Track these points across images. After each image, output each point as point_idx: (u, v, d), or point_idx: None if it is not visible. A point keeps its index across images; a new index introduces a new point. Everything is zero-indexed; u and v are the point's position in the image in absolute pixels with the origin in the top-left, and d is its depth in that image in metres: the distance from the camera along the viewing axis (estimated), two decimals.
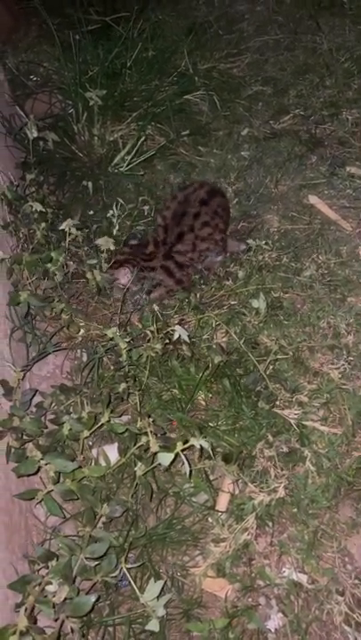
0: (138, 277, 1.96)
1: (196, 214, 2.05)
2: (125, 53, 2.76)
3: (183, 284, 2.05)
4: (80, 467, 1.40)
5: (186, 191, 2.12)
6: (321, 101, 2.83)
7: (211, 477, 1.59)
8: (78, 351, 1.82)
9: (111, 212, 2.07)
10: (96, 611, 1.35)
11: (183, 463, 1.37)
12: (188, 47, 2.98)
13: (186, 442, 1.32)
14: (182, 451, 1.34)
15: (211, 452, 1.48)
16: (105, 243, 1.83)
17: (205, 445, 1.32)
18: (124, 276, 1.94)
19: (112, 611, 1.35)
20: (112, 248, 1.85)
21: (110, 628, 1.33)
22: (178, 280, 2.04)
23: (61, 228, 1.87)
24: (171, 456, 1.31)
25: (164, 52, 2.88)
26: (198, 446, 1.32)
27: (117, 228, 2.08)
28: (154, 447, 1.34)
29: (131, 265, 1.95)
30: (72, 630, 1.18)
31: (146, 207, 2.29)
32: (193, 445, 1.32)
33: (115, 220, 2.07)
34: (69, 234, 1.87)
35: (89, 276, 1.79)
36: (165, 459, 1.31)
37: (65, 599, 1.17)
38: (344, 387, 1.73)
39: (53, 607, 1.15)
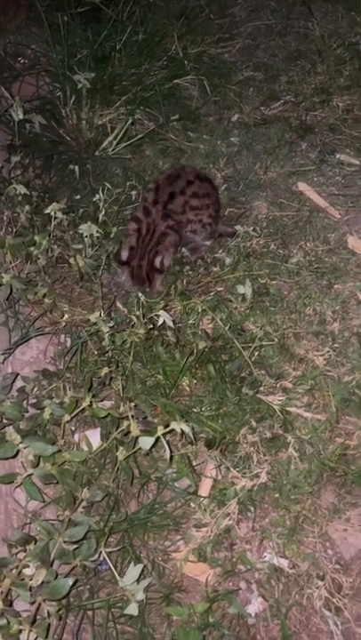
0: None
1: (190, 182, 2.02)
2: (115, 36, 2.71)
3: (180, 247, 2.05)
4: (60, 451, 1.39)
5: (186, 165, 2.13)
6: (312, 88, 2.81)
7: (194, 463, 1.58)
8: (62, 336, 1.80)
9: (98, 196, 2.04)
10: (75, 595, 1.35)
11: (165, 449, 1.36)
12: (178, 31, 2.94)
13: (167, 426, 1.32)
14: (165, 436, 1.34)
15: (192, 437, 1.47)
16: (88, 229, 1.80)
17: (186, 429, 1.31)
18: (164, 265, 1.92)
19: (91, 595, 1.35)
20: (95, 234, 1.83)
21: (89, 612, 1.32)
22: (181, 236, 2.02)
23: (47, 212, 1.85)
24: (151, 440, 1.30)
25: (154, 36, 2.84)
26: (180, 431, 1.32)
27: (104, 212, 2.05)
28: (135, 431, 1.33)
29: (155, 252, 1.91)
30: (49, 614, 1.17)
31: (133, 192, 2.26)
32: (176, 431, 1.32)
33: (101, 205, 2.04)
34: (55, 218, 1.85)
35: (72, 261, 1.77)
36: (146, 442, 1.31)
37: (42, 582, 1.16)
38: (329, 373, 1.73)
39: (30, 590, 1.14)
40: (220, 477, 1.55)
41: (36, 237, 1.79)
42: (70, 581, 1.17)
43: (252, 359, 1.73)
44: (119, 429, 1.41)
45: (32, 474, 1.32)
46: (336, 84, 2.81)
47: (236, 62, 2.99)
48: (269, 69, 2.94)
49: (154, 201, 1.98)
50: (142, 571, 1.29)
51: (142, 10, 2.94)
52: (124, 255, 1.91)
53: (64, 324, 1.78)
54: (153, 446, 1.36)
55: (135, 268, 1.91)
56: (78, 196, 2.27)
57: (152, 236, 1.94)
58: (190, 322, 1.85)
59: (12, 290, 1.66)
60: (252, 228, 2.10)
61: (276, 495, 1.52)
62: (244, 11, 3.34)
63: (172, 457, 1.52)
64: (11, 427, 1.37)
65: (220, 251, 2.13)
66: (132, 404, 1.42)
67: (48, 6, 2.89)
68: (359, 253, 2.09)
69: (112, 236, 2.02)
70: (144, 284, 1.93)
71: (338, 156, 2.48)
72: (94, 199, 2.08)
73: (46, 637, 1.13)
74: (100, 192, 2.05)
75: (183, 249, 2.11)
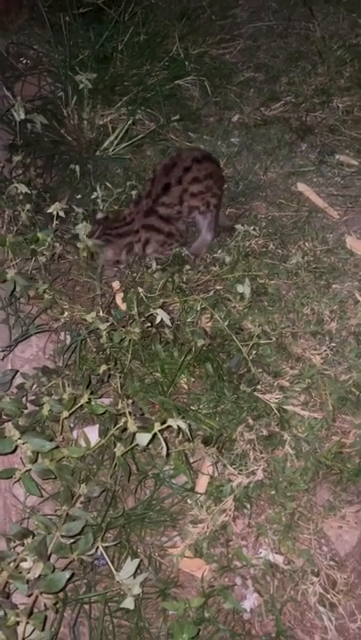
0: (120, 248, 1.96)
1: (187, 168, 2.03)
2: (117, 37, 2.73)
3: (176, 238, 2.06)
4: (58, 447, 1.40)
5: (180, 151, 2.13)
6: (312, 89, 2.82)
7: (191, 460, 1.60)
8: (62, 333, 1.82)
9: (95, 193, 2.06)
10: (72, 589, 1.36)
11: (162, 445, 1.38)
12: (179, 32, 2.96)
13: (164, 422, 1.33)
14: (162, 433, 1.35)
15: (189, 434, 1.49)
16: (84, 228, 1.82)
17: (183, 426, 1.33)
18: (108, 254, 1.95)
19: (88, 589, 1.36)
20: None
21: (86, 606, 1.34)
22: (168, 233, 2.04)
23: (49, 211, 1.86)
24: (148, 436, 1.32)
25: (155, 37, 2.86)
26: (176, 427, 1.33)
27: (101, 208, 2.07)
28: (132, 427, 1.35)
29: (106, 240, 1.94)
30: (46, 606, 1.19)
31: (134, 192, 2.27)
32: (174, 428, 1.33)
33: (99, 202, 2.06)
34: (57, 217, 1.87)
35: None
36: (143, 439, 1.32)
37: (40, 576, 1.17)
38: (326, 372, 1.74)
39: (27, 583, 1.16)
40: (216, 474, 1.57)
41: (39, 235, 1.81)
42: (67, 575, 1.19)
43: (250, 357, 1.75)
44: (117, 426, 1.43)
45: (30, 469, 1.34)
46: (336, 85, 2.83)
47: (237, 63, 3.01)
48: (270, 70, 2.96)
49: (147, 193, 2.02)
50: (139, 565, 1.31)
51: (144, 11, 2.96)
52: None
53: (63, 321, 1.80)
54: (150, 443, 1.37)
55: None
56: (79, 196, 2.29)
57: (122, 226, 1.98)
58: (189, 320, 1.87)
59: (14, 287, 1.68)
60: (252, 228, 2.11)
61: (273, 492, 1.54)
62: (246, 12, 3.36)
63: (169, 454, 1.54)
64: (10, 423, 1.39)
65: (220, 250, 2.14)
66: (130, 401, 1.44)
67: (50, 7, 2.91)
68: (357, 253, 2.10)
69: None
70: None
71: (337, 156, 2.49)
72: (92, 197, 2.10)
73: (43, 630, 1.15)
74: (98, 189, 2.06)
75: (184, 249, 2.12)
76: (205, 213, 2.11)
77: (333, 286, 1.99)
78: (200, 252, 2.13)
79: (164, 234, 2.03)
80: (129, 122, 2.49)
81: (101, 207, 2.08)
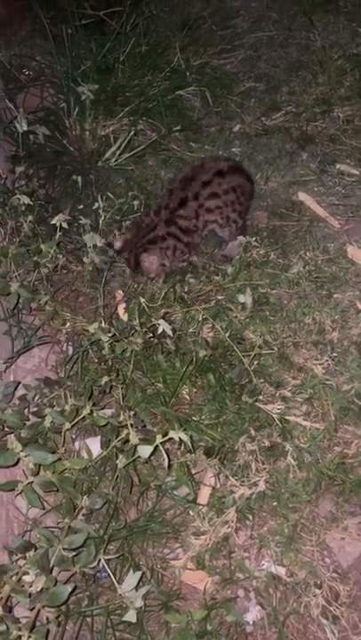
0: (159, 249, 1.99)
1: (206, 182, 2.01)
2: (118, 48, 2.75)
3: (191, 249, 2.07)
4: (60, 459, 1.41)
5: (206, 159, 2.10)
6: (313, 98, 2.83)
7: (193, 471, 1.60)
8: (64, 344, 1.82)
9: (97, 204, 2.07)
10: (75, 602, 1.36)
11: (164, 457, 1.38)
12: (181, 43, 2.97)
13: (165, 434, 1.33)
14: (164, 444, 1.36)
15: (191, 445, 1.49)
16: (90, 239, 1.83)
17: (184, 438, 1.33)
18: (152, 265, 1.98)
19: (91, 601, 1.36)
20: (98, 244, 1.86)
21: (88, 619, 1.34)
22: (187, 244, 2.05)
23: (53, 222, 1.87)
24: (150, 448, 1.32)
25: (156, 48, 2.87)
26: (178, 439, 1.33)
27: (103, 218, 2.08)
28: (134, 439, 1.35)
29: (146, 252, 1.97)
30: (48, 620, 1.18)
31: (136, 202, 2.29)
32: (175, 440, 1.34)
33: (101, 212, 2.07)
34: (60, 228, 1.88)
35: (85, 259, 1.80)
36: (145, 451, 1.32)
37: (42, 589, 1.17)
38: (328, 382, 1.74)
39: (29, 597, 1.16)
40: (218, 486, 1.57)
41: (43, 246, 1.82)
42: (69, 588, 1.19)
43: (252, 368, 1.75)
44: (119, 438, 1.43)
45: (33, 481, 1.34)
46: (337, 94, 2.84)
47: (238, 73, 3.02)
48: (271, 80, 2.97)
49: (165, 205, 2.03)
50: (141, 578, 1.31)
51: (145, 22, 2.98)
52: (117, 245, 2.03)
53: (65, 332, 1.81)
54: (152, 454, 1.38)
55: (127, 260, 2.02)
56: (81, 206, 2.30)
57: (148, 233, 1.99)
58: (191, 330, 1.87)
59: (18, 299, 1.69)
60: (253, 238, 2.11)
61: (275, 504, 1.53)
62: (246, 22, 3.38)
63: (171, 465, 1.54)
64: (12, 435, 1.39)
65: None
66: (132, 412, 1.44)
67: (52, 19, 2.93)
68: (359, 263, 2.10)
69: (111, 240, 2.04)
70: (135, 271, 2.02)
71: (338, 166, 2.50)
72: (94, 207, 2.11)
73: None
74: (100, 199, 2.08)
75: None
76: (224, 227, 2.10)
77: (335, 296, 1.99)
78: (234, 253, 2.13)
79: (183, 243, 2.05)
80: (131, 132, 2.51)
81: (103, 218, 2.09)
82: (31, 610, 1.16)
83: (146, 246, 1.98)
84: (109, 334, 1.64)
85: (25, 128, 2.18)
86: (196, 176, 2.02)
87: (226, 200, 2.05)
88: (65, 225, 1.86)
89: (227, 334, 1.81)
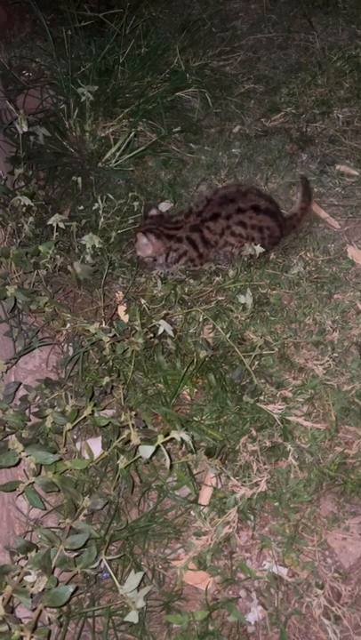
0: (164, 247, 2.04)
1: (241, 210, 2.06)
2: (118, 50, 2.76)
3: (202, 261, 2.10)
4: (62, 459, 1.40)
5: (251, 189, 2.14)
6: (312, 100, 2.84)
7: (194, 471, 1.60)
8: (65, 345, 1.82)
9: (97, 204, 2.07)
10: (76, 602, 1.36)
11: (165, 457, 1.38)
12: (180, 44, 2.98)
13: (167, 435, 1.33)
14: (165, 445, 1.36)
15: (192, 446, 1.49)
16: (90, 240, 1.84)
17: (186, 438, 1.33)
18: (146, 246, 2.01)
19: (92, 602, 1.36)
20: (97, 245, 1.86)
21: (90, 620, 1.34)
22: (200, 254, 2.08)
23: (49, 222, 1.88)
24: (151, 448, 1.32)
25: (156, 49, 2.88)
26: (180, 439, 1.33)
27: (102, 219, 2.09)
28: (135, 440, 1.35)
29: (153, 234, 2.01)
30: (50, 620, 1.18)
31: (136, 203, 2.29)
32: (177, 440, 1.34)
33: (100, 212, 2.08)
34: (57, 228, 1.88)
35: (70, 268, 1.80)
36: (146, 451, 1.33)
37: (43, 590, 1.17)
38: (328, 382, 1.74)
39: (31, 597, 1.16)
40: (220, 486, 1.57)
41: (41, 247, 1.82)
42: (71, 589, 1.18)
43: (253, 368, 1.75)
44: (120, 438, 1.43)
45: (34, 482, 1.34)
46: (336, 95, 2.84)
47: (238, 75, 3.03)
48: (270, 82, 2.98)
49: (198, 212, 2.07)
50: (142, 578, 1.31)
51: (145, 24, 2.99)
52: (153, 211, 2.12)
53: (66, 333, 1.81)
54: (153, 455, 1.38)
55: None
56: (81, 207, 2.30)
57: (169, 228, 2.05)
58: (191, 331, 1.88)
59: (15, 301, 1.68)
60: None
61: (276, 504, 1.53)
62: (246, 24, 3.39)
63: (172, 465, 1.54)
64: (13, 435, 1.39)
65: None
66: (133, 412, 1.44)
67: (52, 20, 2.95)
68: (359, 263, 2.11)
69: (112, 241, 2.04)
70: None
71: (338, 167, 2.50)
72: (94, 208, 2.11)
73: None
74: (100, 200, 2.08)
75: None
76: (235, 255, 2.11)
77: (335, 296, 1.99)
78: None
79: (197, 253, 2.07)
80: (131, 133, 2.51)
81: (102, 219, 2.09)
82: (33, 610, 1.16)
83: (156, 231, 2.03)
84: (110, 335, 1.63)
85: (25, 129, 2.18)
86: (236, 200, 2.06)
87: (249, 234, 2.08)
88: (62, 225, 1.86)
89: (227, 335, 1.81)
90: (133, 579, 1.28)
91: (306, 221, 2.29)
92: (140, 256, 2.09)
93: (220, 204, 2.06)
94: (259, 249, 2.01)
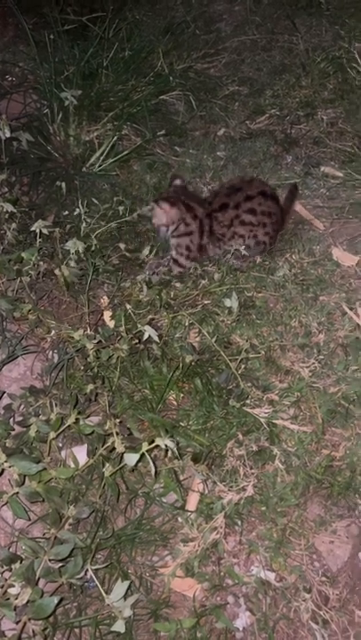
0: (179, 217, 2.05)
1: (249, 197, 2.07)
2: (102, 53, 2.75)
3: (198, 254, 2.11)
4: (46, 468, 1.39)
5: (255, 179, 2.18)
6: (297, 101, 2.85)
7: (181, 477, 1.59)
8: (50, 352, 1.81)
9: (78, 209, 2.06)
10: (63, 612, 1.35)
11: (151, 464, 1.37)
12: (164, 47, 2.98)
13: (152, 442, 1.33)
14: (151, 451, 1.35)
15: (177, 452, 1.48)
16: (73, 245, 1.82)
17: (171, 445, 1.32)
18: (161, 214, 2.04)
19: (79, 612, 1.35)
20: (81, 250, 1.85)
21: (77, 630, 1.32)
22: (200, 245, 2.10)
23: (32, 229, 1.86)
24: (136, 456, 1.32)
25: (140, 52, 2.87)
26: (164, 446, 1.33)
27: (84, 224, 2.07)
28: (119, 448, 1.34)
29: (168, 202, 2.02)
30: (34, 633, 1.17)
31: (121, 207, 2.28)
32: (162, 446, 1.33)
33: (83, 218, 2.07)
34: (41, 235, 1.87)
35: (57, 272, 1.79)
36: (131, 459, 1.32)
37: (27, 602, 1.16)
38: (314, 385, 1.74)
39: (15, 610, 1.14)
40: (207, 491, 1.56)
41: (24, 254, 1.81)
42: (55, 600, 1.17)
43: (239, 372, 1.75)
44: (105, 446, 1.42)
45: (18, 492, 1.33)
46: (320, 97, 2.85)
47: (222, 77, 3.03)
48: (255, 84, 2.99)
49: (209, 202, 2.10)
50: (129, 587, 1.30)
51: (128, 27, 2.98)
52: (178, 181, 2.13)
53: (50, 340, 1.79)
54: (139, 462, 1.37)
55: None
56: (66, 212, 2.29)
57: (195, 202, 2.08)
58: (177, 335, 1.87)
59: None
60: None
61: (263, 508, 1.53)
62: (230, 26, 3.39)
63: (158, 472, 1.53)
64: None
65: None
66: (118, 420, 1.43)
67: (35, 24, 2.94)
68: (344, 265, 2.11)
69: (93, 248, 2.03)
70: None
71: (322, 168, 2.51)
72: (75, 213, 2.10)
73: None
74: (81, 205, 2.07)
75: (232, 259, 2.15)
76: (253, 248, 2.13)
77: (321, 298, 2.00)
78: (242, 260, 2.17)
79: (199, 241, 2.09)
80: (115, 137, 2.50)
81: (85, 224, 2.08)
82: (17, 623, 1.15)
83: (171, 199, 2.04)
84: (95, 341, 1.62)
85: (8, 135, 2.17)
86: (243, 188, 2.08)
87: (260, 220, 2.09)
88: (45, 231, 1.85)
89: (213, 339, 1.80)
90: (120, 588, 1.27)
91: (290, 223, 2.29)
92: (154, 224, 2.10)
93: (228, 195, 2.08)
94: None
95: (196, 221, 2.07)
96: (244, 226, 2.09)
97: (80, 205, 2.07)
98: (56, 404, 1.51)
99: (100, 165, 2.46)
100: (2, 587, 1.17)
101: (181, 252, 2.10)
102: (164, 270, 2.10)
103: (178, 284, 2.07)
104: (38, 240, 1.86)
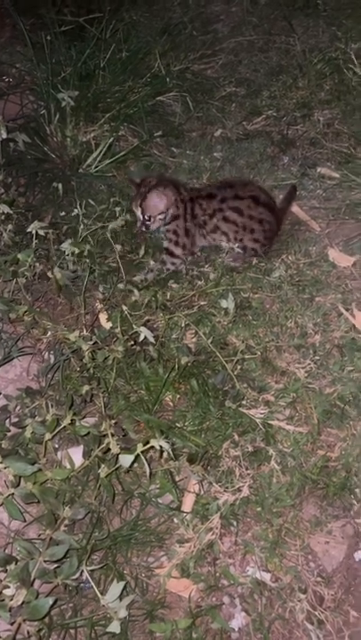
0: (175, 198, 2.09)
1: (238, 197, 2.08)
2: (99, 54, 2.75)
3: (186, 240, 2.13)
4: (41, 470, 1.39)
5: (253, 182, 2.22)
6: (293, 102, 2.85)
7: (176, 478, 1.59)
8: (46, 353, 1.81)
9: (76, 210, 2.07)
10: (58, 613, 1.35)
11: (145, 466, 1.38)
12: (161, 48, 2.98)
13: (147, 443, 1.33)
14: (147, 452, 1.35)
15: (171, 453, 1.48)
16: (69, 247, 1.83)
17: (165, 446, 1.32)
18: (159, 201, 2.06)
19: (74, 613, 1.35)
20: (76, 251, 1.85)
21: (72, 631, 1.33)
22: (186, 229, 2.12)
23: (28, 230, 1.87)
24: (131, 457, 1.32)
25: (137, 53, 2.88)
26: (159, 448, 1.33)
27: (82, 227, 2.08)
28: (114, 449, 1.34)
29: (162, 186, 2.06)
30: (29, 634, 1.17)
31: (118, 208, 2.28)
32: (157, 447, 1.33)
33: (80, 219, 2.07)
34: (37, 236, 1.87)
35: (50, 274, 1.79)
36: (126, 460, 1.32)
37: (22, 603, 1.16)
38: (310, 385, 1.74)
39: (10, 611, 1.15)
40: (202, 492, 1.56)
41: (20, 256, 1.81)
42: (50, 601, 1.18)
43: (235, 373, 1.75)
44: (100, 447, 1.42)
45: (13, 493, 1.33)
46: (317, 98, 2.86)
47: (219, 78, 3.03)
48: (251, 85, 2.99)
49: (198, 189, 2.16)
50: (125, 588, 1.30)
51: (125, 28, 2.99)
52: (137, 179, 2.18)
53: (46, 341, 1.80)
54: (135, 463, 1.37)
55: (138, 192, 2.13)
56: (63, 213, 2.29)
57: (182, 189, 2.12)
58: (174, 336, 1.87)
59: None
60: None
61: (259, 509, 1.53)
62: (227, 27, 3.39)
63: (154, 473, 1.53)
64: None
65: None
66: (113, 421, 1.43)
67: (32, 25, 2.93)
68: (340, 266, 2.11)
69: (87, 250, 2.02)
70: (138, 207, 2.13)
71: (319, 169, 2.51)
72: (72, 214, 2.11)
73: None
74: (79, 207, 2.07)
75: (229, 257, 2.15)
76: (244, 253, 2.14)
77: (317, 299, 2.00)
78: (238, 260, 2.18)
79: (184, 225, 2.11)
80: (112, 138, 2.51)
81: (82, 225, 2.08)
82: (12, 624, 1.15)
83: (164, 183, 2.06)
84: (90, 342, 1.63)
85: (4, 136, 2.18)
86: (235, 186, 2.10)
87: (247, 224, 2.10)
88: (41, 232, 1.85)
89: (209, 340, 1.81)
90: (115, 588, 1.27)
91: (286, 224, 2.30)
92: (150, 215, 2.10)
93: (218, 188, 2.11)
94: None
95: (182, 205, 2.11)
96: (227, 223, 2.09)
97: (78, 207, 2.07)
98: (52, 406, 1.51)
99: (96, 166, 2.47)
100: None
101: (170, 238, 2.12)
102: (158, 267, 2.10)
103: (174, 285, 2.07)
104: (34, 241, 1.86)
